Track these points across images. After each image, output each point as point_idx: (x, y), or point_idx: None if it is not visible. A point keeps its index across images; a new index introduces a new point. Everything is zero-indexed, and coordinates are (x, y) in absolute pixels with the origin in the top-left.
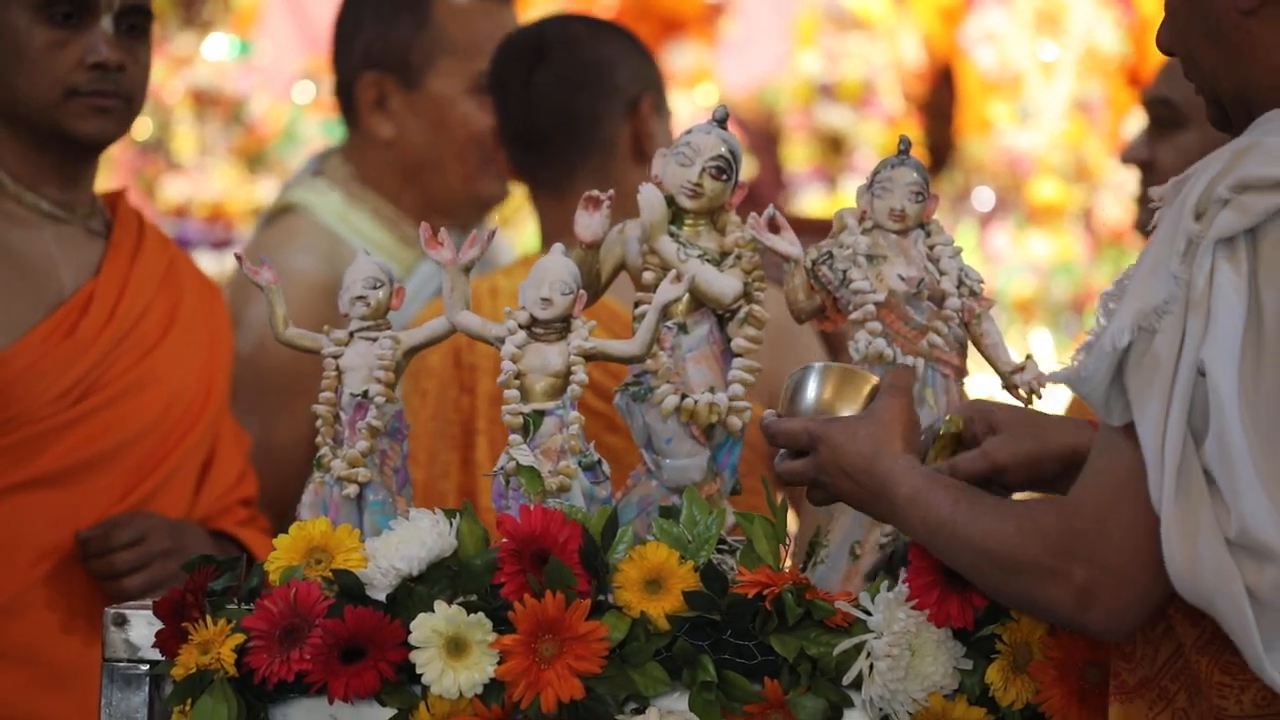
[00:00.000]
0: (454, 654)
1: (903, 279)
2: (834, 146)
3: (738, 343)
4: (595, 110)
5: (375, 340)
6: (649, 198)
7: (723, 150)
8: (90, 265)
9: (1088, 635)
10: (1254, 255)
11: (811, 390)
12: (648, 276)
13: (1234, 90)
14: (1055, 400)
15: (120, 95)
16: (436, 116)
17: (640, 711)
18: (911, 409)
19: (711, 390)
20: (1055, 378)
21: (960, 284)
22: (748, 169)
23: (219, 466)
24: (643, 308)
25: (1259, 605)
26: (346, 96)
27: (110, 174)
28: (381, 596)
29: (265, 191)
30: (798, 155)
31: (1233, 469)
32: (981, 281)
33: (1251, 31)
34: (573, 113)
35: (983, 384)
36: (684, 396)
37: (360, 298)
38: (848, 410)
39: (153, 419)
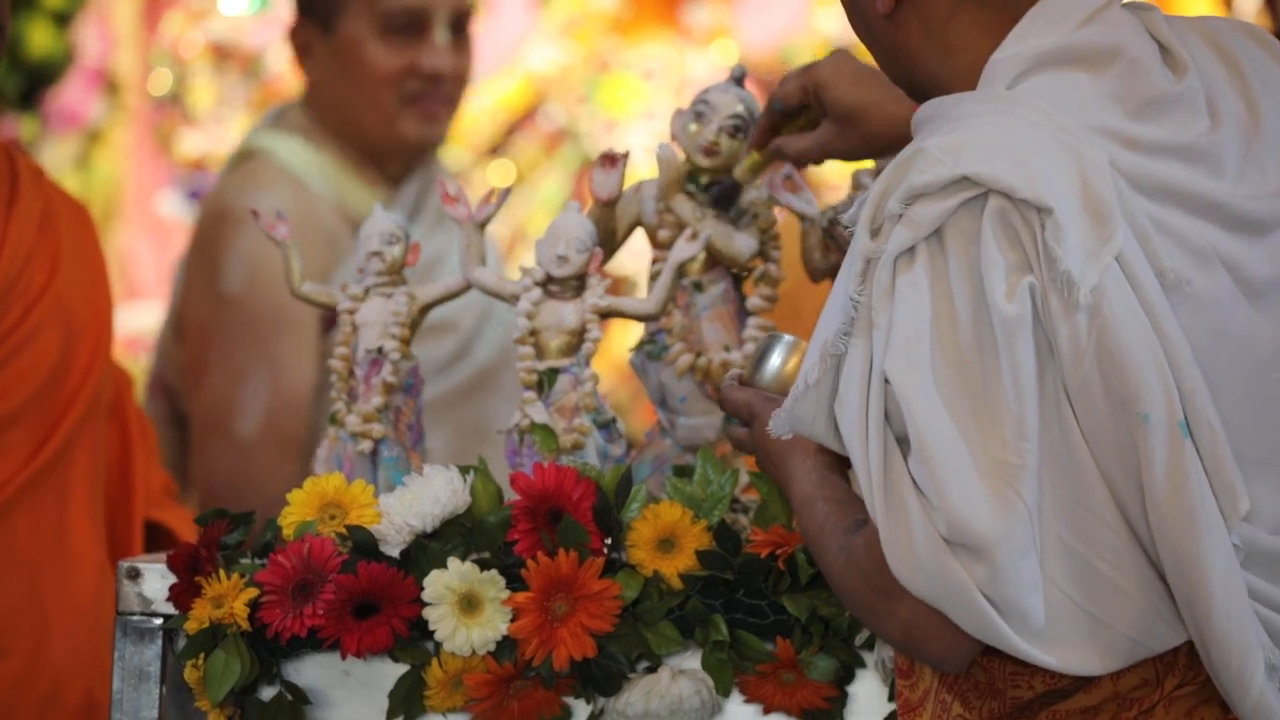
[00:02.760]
0: (467, 611)
1: None
2: None
3: (753, 301)
4: None
5: (391, 296)
6: (665, 156)
7: (740, 109)
8: None
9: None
10: (943, 254)
11: (774, 361)
12: (663, 235)
13: (904, 83)
14: None
15: None
16: (349, 60)
17: (652, 670)
18: None
19: (726, 349)
20: (777, 426)
21: None
22: None
23: (133, 416)
24: (658, 266)
25: (991, 600)
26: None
27: (128, 127)
28: (395, 553)
29: None
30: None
31: (932, 468)
32: None
33: (896, 36)
34: None
35: None
36: (699, 355)
37: (376, 253)
38: None
39: (52, 366)
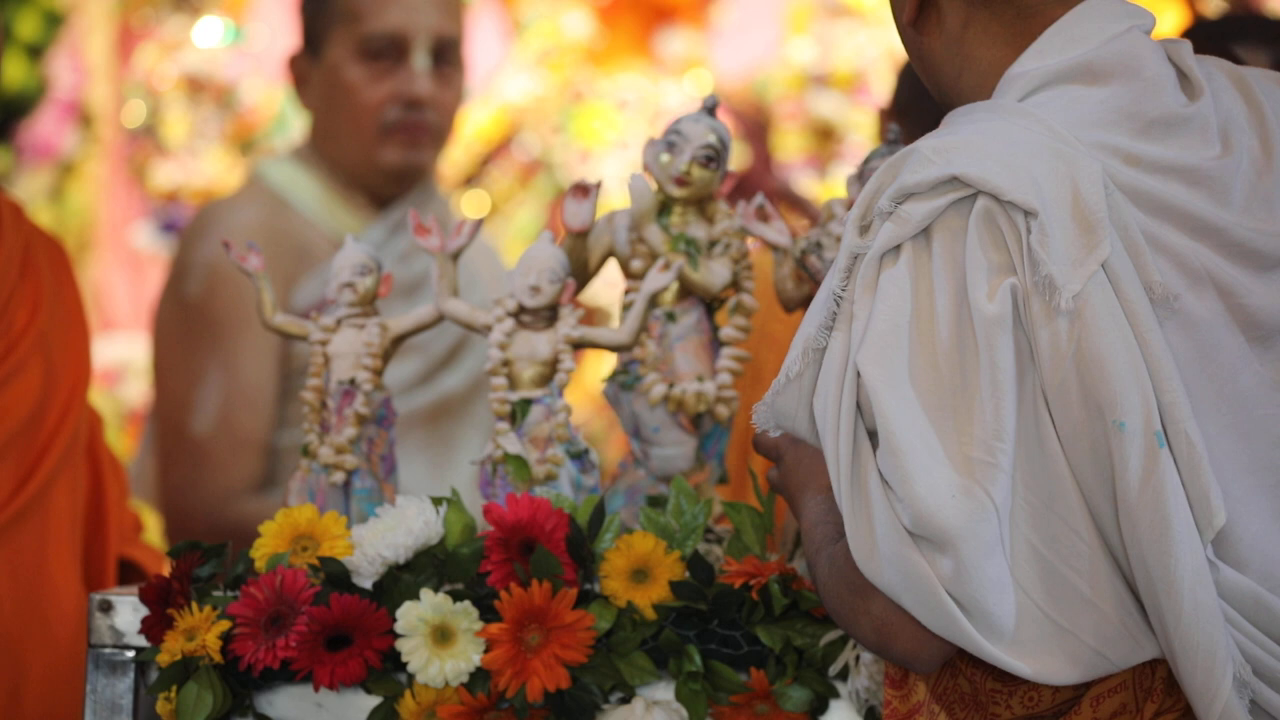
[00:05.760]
0: (440, 642)
1: None
2: (825, 135)
3: (726, 331)
4: None
5: (363, 327)
6: (637, 187)
7: (712, 139)
8: None
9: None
10: (928, 252)
11: None
12: (636, 265)
13: (934, 92)
14: None
15: None
16: (334, 86)
17: (626, 701)
18: None
19: (700, 379)
20: (759, 420)
21: None
22: (740, 157)
23: (105, 455)
24: (631, 296)
25: (955, 598)
26: None
27: (102, 159)
28: (368, 584)
29: None
30: (789, 144)
31: (899, 459)
32: None
33: (921, 45)
34: None
35: None
36: (672, 385)
37: (348, 284)
38: None
39: (33, 405)
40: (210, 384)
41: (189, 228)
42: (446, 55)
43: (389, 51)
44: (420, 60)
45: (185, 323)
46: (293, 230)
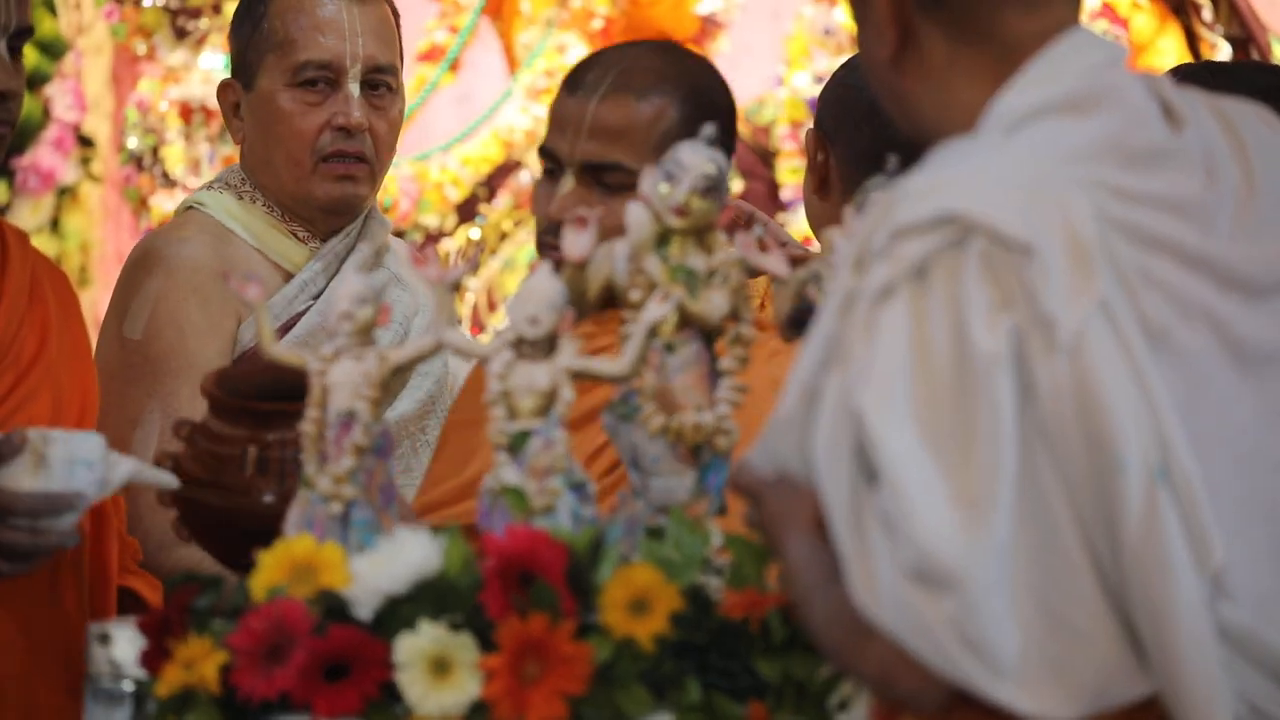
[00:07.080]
0: (438, 674)
1: None
2: None
3: (725, 363)
4: None
5: (361, 358)
6: (636, 216)
7: (711, 169)
8: None
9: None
10: (925, 290)
11: None
12: (634, 295)
13: (912, 131)
14: None
15: None
16: (266, 116)
17: None
18: None
19: (699, 410)
20: (755, 461)
21: None
22: (739, 188)
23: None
24: (630, 326)
25: (959, 637)
26: None
27: (101, 188)
28: (366, 615)
29: None
30: (791, 174)
31: (901, 501)
32: None
33: (900, 83)
34: None
35: None
36: (671, 416)
37: (347, 315)
38: None
39: None
40: (149, 427)
41: (130, 263)
42: (381, 83)
43: (320, 81)
44: (353, 89)
45: (125, 362)
46: (239, 261)
